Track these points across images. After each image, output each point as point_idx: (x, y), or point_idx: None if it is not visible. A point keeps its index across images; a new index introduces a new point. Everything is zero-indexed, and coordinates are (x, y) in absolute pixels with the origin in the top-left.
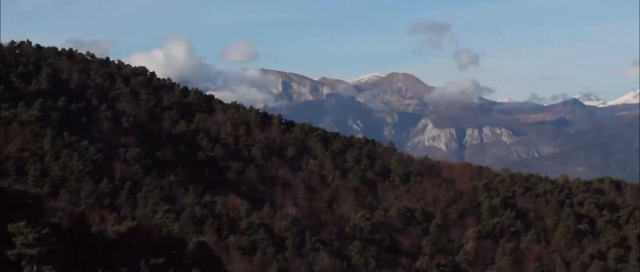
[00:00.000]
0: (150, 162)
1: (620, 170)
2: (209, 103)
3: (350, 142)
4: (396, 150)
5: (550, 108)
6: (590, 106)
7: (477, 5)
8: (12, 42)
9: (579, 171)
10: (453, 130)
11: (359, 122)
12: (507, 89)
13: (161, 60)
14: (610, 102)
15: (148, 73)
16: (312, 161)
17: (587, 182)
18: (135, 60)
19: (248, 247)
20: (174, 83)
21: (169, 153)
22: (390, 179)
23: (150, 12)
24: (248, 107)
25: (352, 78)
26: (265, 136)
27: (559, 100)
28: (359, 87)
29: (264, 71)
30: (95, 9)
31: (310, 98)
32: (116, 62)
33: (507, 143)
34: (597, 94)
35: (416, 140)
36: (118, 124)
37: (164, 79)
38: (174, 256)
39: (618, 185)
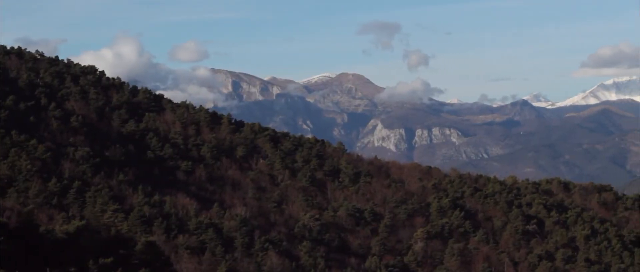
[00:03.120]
0: (99, 162)
1: (568, 171)
2: (158, 102)
3: (299, 143)
4: (346, 150)
5: (499, 109)
6: (539, 107)
7: (428, 6)
8: None
9: (528, 171)
10: (402, 131)
11: (308, 122)
12: (457, 89)
13: (111, 59)
14: (559, 104)
15: (97, 72)
16: (261, 161)
17: (535, 183)
18: (84, 59)
19: (197, 247)
20: (124, 82)
21: (118, 153)
22: (340, 180)
23: (100, 11)
24: (198, 106)
25: (302, 78)
26: (214, 135)
27: (508, 102)
28: (309, 88)
29: (214, 71)
30: (44, 8)
31: (260, 98)
32: (65, 61)
33: (456, 144)
34: (546, 96)
35: (366, 140)
36: (67, 123)
37: (113, 78)
38: (122, 255)
39: (566, 186)
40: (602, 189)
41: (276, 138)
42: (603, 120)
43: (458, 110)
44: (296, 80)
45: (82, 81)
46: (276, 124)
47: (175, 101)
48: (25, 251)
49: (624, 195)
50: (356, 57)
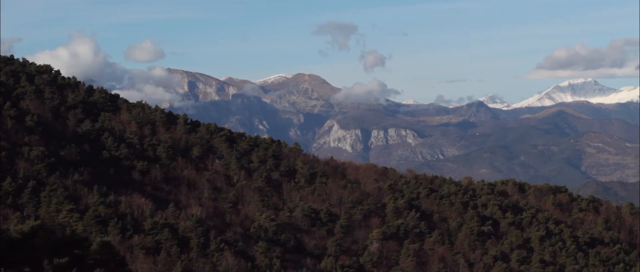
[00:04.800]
0: (54, 161)
1: (523, 172)
2: (114, 102)
3: (255, 143)
4: (302, 151)
5: (455, 110)
6: (494, 109)
7: (384, 7)
8: None
9: (483, 173)
10: (358, 132)
11: (265, 122)
12: (413, 91)
13: (67, 58)
14: (515, 105)
15: (53, 71)
16: (217, 161)
17: (490, 184)
18: (40, 59)
19: (152, 247)
20: (79, 82)
21: (73, 152)
22: (296, 180)
23: (56, 11)
24: (154, 106)
25: (259, 78)
26: (170, 135)
27: (464, 103)
28: (265, 88)
29: (170, 71)
30: None
31: (217, 98)
32: (21, 60)
33: (412, 145)
34: (501, 97)
35: (322, 141)
36: (22, 122)
37: (69, 78)
38: (77, 255)
39: (521, 187)
40: (557, 190)
41: (232, 138)
42: (558, 122)
43: (414, 112)
44: (252, 81)
45: (38, 80)
46: (232, 124)
47: (131, 101)
48: None
49: (579, 196)
50: (312, 58)
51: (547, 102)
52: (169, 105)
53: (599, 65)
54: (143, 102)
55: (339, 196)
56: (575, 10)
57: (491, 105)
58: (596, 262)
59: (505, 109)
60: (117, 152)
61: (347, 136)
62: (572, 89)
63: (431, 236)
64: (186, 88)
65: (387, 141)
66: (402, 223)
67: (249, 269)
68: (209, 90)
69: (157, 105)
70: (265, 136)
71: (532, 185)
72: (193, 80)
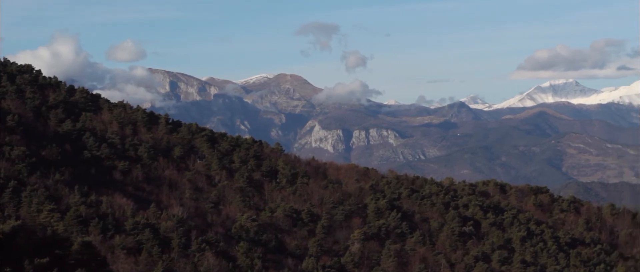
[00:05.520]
0: (35, 161)
1: (504, 173)
2: (95, 102)
3: (237, 143)
4: (283, 151)
5: (436, 111)
6: (476, 109)
7: (366, 7)
8: None
9: (464, 173)
10: (340, 132)
11: (246, 122)
12: (395, 91)
13: (48, 58)
14: (496, 106)
15: (34, 71)
16: (198, 161)
17: (472, 185)
18: (21, 59)
19: (133, 247)
20: (61, 81)
21: (54, 152)
22: (277, 180)
23: (38, 10)
24: (135, 106)
25: (240, 79)
26: (151, 135)
27: (446, 103)
28: (246, 88)
29: (152, 71)
30: None
31: (198, 98)
32: (1, 59)
33: (394, 145)
34: (483, 98)
35: (303, 141)
36: (3, 122)
37: (50, 78)
38: (58, 255)
39: (502, 188)
40: (538, 190)
41: (213, 138)
42: (539, 123)
43: (395, 112)
44: (234, 81)
45: (19, 80)
46: (214, 124)
47: (112, 101)
48: None
49: (560, 197)
50: (294, 58)
51: (529, 103)
52: (150, 105)
53: (580, 66)
54: (124, 102)
55: (321, 196)
56: (556, 11)
57: (473, 106)
58: (577, 262)
59: (486, 109)
60: (98, 152)
61: (329, 136)
62: (554, 89)
63: (412, 237)
64: (168, 88)
65: (368, 141)
66: (384, 223)
67: (230, 269)
68: (190, 90)
69: (138, 105)
70: (247, 136)
71: (513, 186)
72: (175, 80)
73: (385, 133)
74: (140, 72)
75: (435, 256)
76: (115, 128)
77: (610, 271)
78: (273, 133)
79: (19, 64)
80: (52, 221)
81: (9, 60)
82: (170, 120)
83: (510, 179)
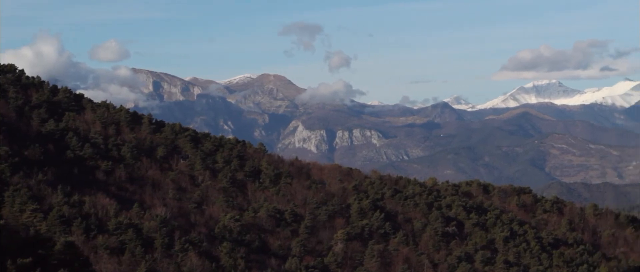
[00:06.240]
0: (17, 161)
1: (488, 173)
2: (78, 102)
3: (220, 143)
4: (266, 151)
5: (420, 111)
6: (459, 110)
7: (349, 8)
8: None
9: (448, 173)
10: (323, 132)
11: (229, 123)
12: (378, 91)
13: (31, 58)
14: (479, 106)
15: (17, 71)
16: (181, 161)
17: (455, 185)
18: (4, 58)
19: (116, 247)
20: (44, 81)
21: (37, 152)
22: (260, 180)
23: (20, 10)
24: (118, 106)
25: (224, 79)
26: (135, 135)
27: (429, 104)
28: (230, 88)
29: (135, 71)
30: None
31: (181, 98)
32: None
33: (377, 145)
34: (466, 98)
35: (287, 141)
36: None
37: (33, 77)
38: (41, 255)
39: (486, 188)
40: (521, 191)
41: (197, 138)
42: (523, 123)
43: (379, 112)
44: (217, 81)
45: (1, 80)
46: (197, 124)
47: (95, 101)
48: None
49: (543, 197)
50: (278, 58)
51: (512, 104)
52: (133, 105)
53: (563, 67)
54: (108, 102)
55: (304, 197)
56: (539, 12)
57: (456, 106)
58: (560, 263)
59: (469, 110)
60: (81, 152)
61: (312, 136)
62: (537, 90)
63: (396, 237)
64: (151, 88)
65: (351, 141)
66: (367, 224)
67: (213, 269)
68: (173, 90)
69: (121, 105)
70: (230, 136)
71: (496, 186)
72: (158, 80)
73: (368, 133)
74: (123, 72)
75: (418, 256)
76: (99, 128)
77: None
78: (256, 133)
79: (1, 63)
80: (35, 220)
81: None
82: (154, 121)
83: (494, 180)
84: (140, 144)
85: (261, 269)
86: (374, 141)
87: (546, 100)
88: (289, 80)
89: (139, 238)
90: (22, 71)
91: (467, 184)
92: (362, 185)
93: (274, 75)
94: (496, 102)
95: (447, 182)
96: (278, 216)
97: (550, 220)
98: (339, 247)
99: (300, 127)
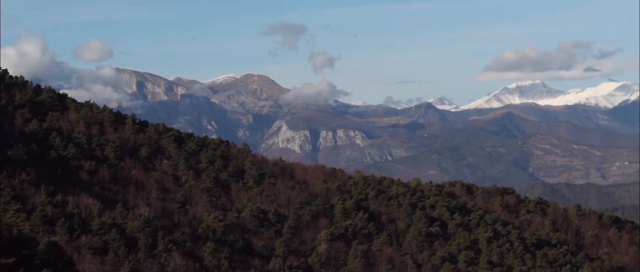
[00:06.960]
0: (0, 161)
1: (471, 174)
2: (62, 102)
3: (204, 143)
4: (250, 151)
5: (403, 112)
6: (443, 110)
7: (334, 8)
8: None
9: (431, 174)
10: (307, 133)
11: (213, 123)
12: (362, 92)
13: (14, 57)
14: (463, 107)
15: (0, 70)
16: (165, 161)
17: (438, 186)
18: None
19: (100, 247)
20: (27, 81)
21: (20, 152)
22: (244, 181)
23: (4, 10)
24: (102, 106)
25: (207, 79)
26: (118, 135)
27: (413, 104)
28: (214, 88)
29: (119, 70)
30: None
31: (165, 98)
32: None
33: (361, 146)
34: (450, 99)
35: (270, 141)
36: None
37: (16, 77)
38: (24, 255)
39: (469, 188)
40: (504, 191)
41: (180, 138)
42: (506, 124)
43: (363, 113)
44: (201, 81)
45: None
46: (181, 124)
47: (79, 100)
48: None
49: (526, 198)
50: (262, 58)
51: (495, 104)
52: (117, 105)
53: (546, 68)
54: (91, 101)
55: (287, 197)
56: (523, 13)
57: (440, 107)
58: (543, 263)
59: (453, 110)
60: (64, 152)
61: (296, 136)
62: (520, 91)
63: (379, 237)
64: (135, 88)
65: (335, 141)
66: (351, 224)
67: (196, 269)
68: (157, 90)
69: (105, 105)
70: (214, 137)
71: (480, 186)
72: (141, 80)
73: (352, 134)
74: (107, 71)
75: (402, 257)
76: (82, 128)
77: None
78: (240, 133)
79: None
80: (18, 221)
81: None
82: (137, 120)
83: (477, 180)
84: (124, 144)
85: (245, 269)
86: (358, 141)
87: (530, 100)
88: (273, 81)
89: (123, 238)
90: (5, 71)
91: (451, 184)
92: (346, 185)
93: (258, 76)
94: (480, 102)
95: (431, 182)
96: (262, 216)
97: (534, 220)
98: (322, 247)
99: (284, 128)
